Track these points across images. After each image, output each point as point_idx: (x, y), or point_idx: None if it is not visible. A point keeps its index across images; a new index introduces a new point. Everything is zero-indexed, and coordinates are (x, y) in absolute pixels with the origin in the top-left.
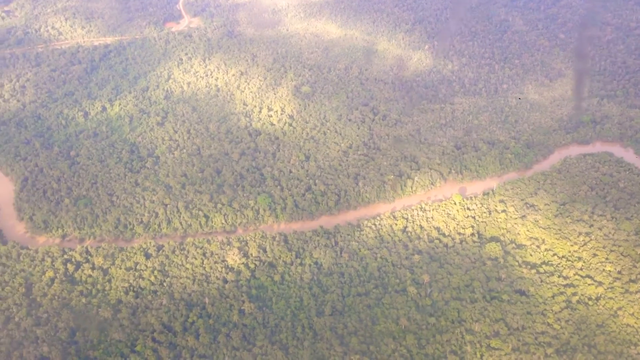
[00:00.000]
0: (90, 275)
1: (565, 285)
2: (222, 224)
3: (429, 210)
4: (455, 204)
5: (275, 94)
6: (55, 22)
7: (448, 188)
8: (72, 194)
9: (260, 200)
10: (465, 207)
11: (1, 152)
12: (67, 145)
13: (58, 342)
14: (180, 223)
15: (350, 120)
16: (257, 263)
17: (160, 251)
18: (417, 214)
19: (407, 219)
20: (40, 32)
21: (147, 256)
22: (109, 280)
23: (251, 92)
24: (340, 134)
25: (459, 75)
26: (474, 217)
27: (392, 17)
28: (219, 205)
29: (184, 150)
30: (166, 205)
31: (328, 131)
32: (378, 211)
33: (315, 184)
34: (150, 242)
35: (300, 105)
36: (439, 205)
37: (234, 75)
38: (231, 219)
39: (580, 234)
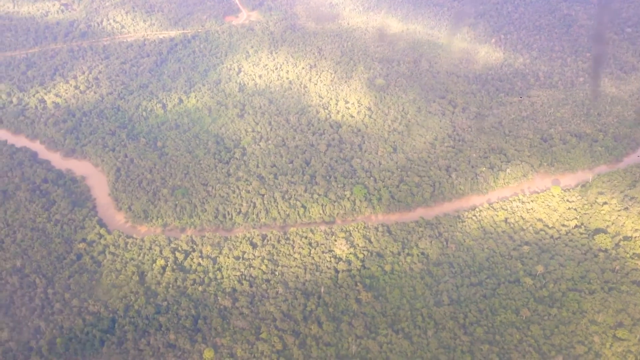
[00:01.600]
0: (199, 264)
1: None
2: (320, 214)
3: (528, 202)
4: (553, 196)
5: (349, 86)
6: (116, 15)
7: (539, 180)
8: (167, 184)
9: (356, 191)
10: (565, 199)
11: (88, 143)
12: (151, 137)
13: (183, 329)
14: (279, 213)
15: (430, 112)
16: (365, 253)
17: (265, 240)
18: (517, 206)
19: (506, 210)
20: (102, 25)
21: (254, 245)
22: (219, 269)
23: (324, 84)
24: (423, 126)
25: (531, 68)
26: (575, 209)
27: (452, 11)
28: (315, 196)
29: (269, 142)
30: (263, 195)
31: (410, 123)
32: (473, 203)
33: (408, 176)
34: (254, 232)
35: (376, 97)
36: (537, 197)
37: (303, 68)
38: (329, 209)
39: None
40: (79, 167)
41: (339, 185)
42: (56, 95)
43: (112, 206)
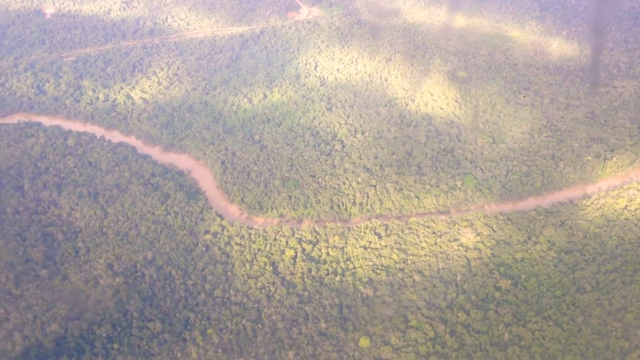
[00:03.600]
0: (328, 254)
1: None
2: (434, 204)
3: None
4: None
5: (430, 79)
6: (179, 12)
7: None
8: (275, 176)
9: (467, 181)
10: None
11: (185, 137)
12: (246, 130)
13: (331, 318)
14: (393, 203)
15: (519, 104)
16: (492, 242)
17: (388, 230)
18: (634, 193)
19: (624, 198)
20: (168, 22)
21: (378, 235)
22: (349, 259)
23: (405, 77)
24: (516, 117)
25: (611, 59)
26: None
27: (515, 5)
28: (427, 187)
29: (366, 134)
30: (374, 186)
31: (502, 114)
32: (584, 191)
33: (515, 165)
34: (376, 222)
35: (461, 89)
36: None
37: (380, 62)
38: (442, 199)
39: None
40: (179, 160)
41: (447, 176)
42: (142, 91)
43: (223, 198)
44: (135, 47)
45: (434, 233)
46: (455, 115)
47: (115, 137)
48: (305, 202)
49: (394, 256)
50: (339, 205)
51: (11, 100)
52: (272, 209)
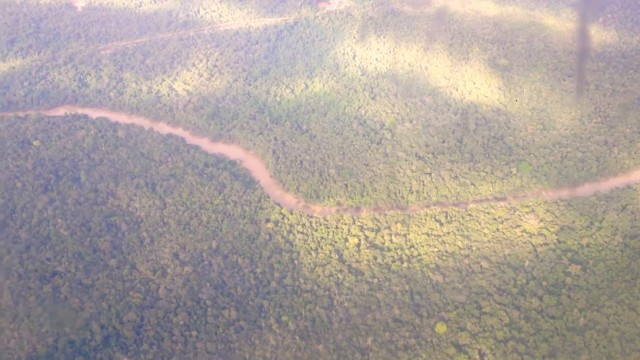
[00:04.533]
0: (391, 241)
1: None
2: (490, 191)
3: None
4: None
5: (471, 67)
6: (211, 4)
7: None
8: (328, 164)
9: (522, 168)
10: None
11: (232, 127)
12: (293, 120)
13: (404, 305)
14: (449, 190)
15: (564, 90)
16: (556, 227)
17: (448, 217)
18: None
19: None
20: (200, 14)
21: (439, 222)
22: (412, 246)
23: (446, 66)
24: (564, 104)
25: None
26: None
27: None
28: (482, 174)
29: (413, 122)
30: (429, 174)
31: (548, 101)
32: None
33: (569, 152)
34: (435, 209)
35: (503, 77)
36: None
37: (417, 51)
38: (498, 186)
39: None
40: (229, 151)
41: (501, 163)
42: (184, 82)
43: (278, 187)
44: (171, 40)
45: (495, 219)
46: (501, 103)
47: (163, 128)
48: (362, 190)
49: (458, 242)
50: (395, 193)
51: (55, 93)
52: (328, 197)
